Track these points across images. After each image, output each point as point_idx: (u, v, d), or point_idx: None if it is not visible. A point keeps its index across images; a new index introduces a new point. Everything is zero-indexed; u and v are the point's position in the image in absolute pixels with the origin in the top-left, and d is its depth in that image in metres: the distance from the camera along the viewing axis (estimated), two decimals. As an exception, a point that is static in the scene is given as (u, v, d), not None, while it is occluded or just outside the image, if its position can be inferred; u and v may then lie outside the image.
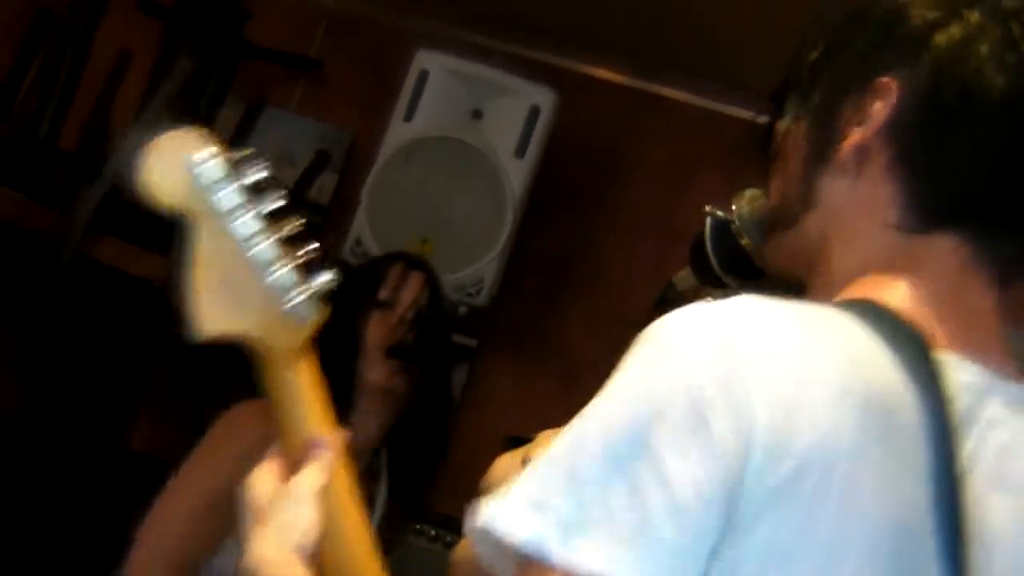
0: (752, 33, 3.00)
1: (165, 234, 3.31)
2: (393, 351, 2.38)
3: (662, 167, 3.59)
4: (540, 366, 3.56)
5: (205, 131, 1.14)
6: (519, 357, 3.59)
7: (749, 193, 1.30)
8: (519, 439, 1.54)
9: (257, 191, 1.13)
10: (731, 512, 0.91)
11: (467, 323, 3.49)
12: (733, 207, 1.29)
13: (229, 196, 1.12)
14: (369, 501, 2.37)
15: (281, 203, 1.14)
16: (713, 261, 1.31)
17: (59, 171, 3.51)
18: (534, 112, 3.38)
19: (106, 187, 3.29)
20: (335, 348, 2.26)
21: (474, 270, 3.34)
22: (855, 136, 1.09)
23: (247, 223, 1.12)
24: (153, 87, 3.54)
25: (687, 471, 0.91)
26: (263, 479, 1.15)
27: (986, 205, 1.07)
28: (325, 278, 1.14)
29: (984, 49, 1.07)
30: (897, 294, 1.06)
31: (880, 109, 1.08)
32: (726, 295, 1.32)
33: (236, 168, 1.13)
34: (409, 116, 3.42)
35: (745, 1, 2.89)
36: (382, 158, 3.42)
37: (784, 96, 1.19)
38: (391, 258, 2.51)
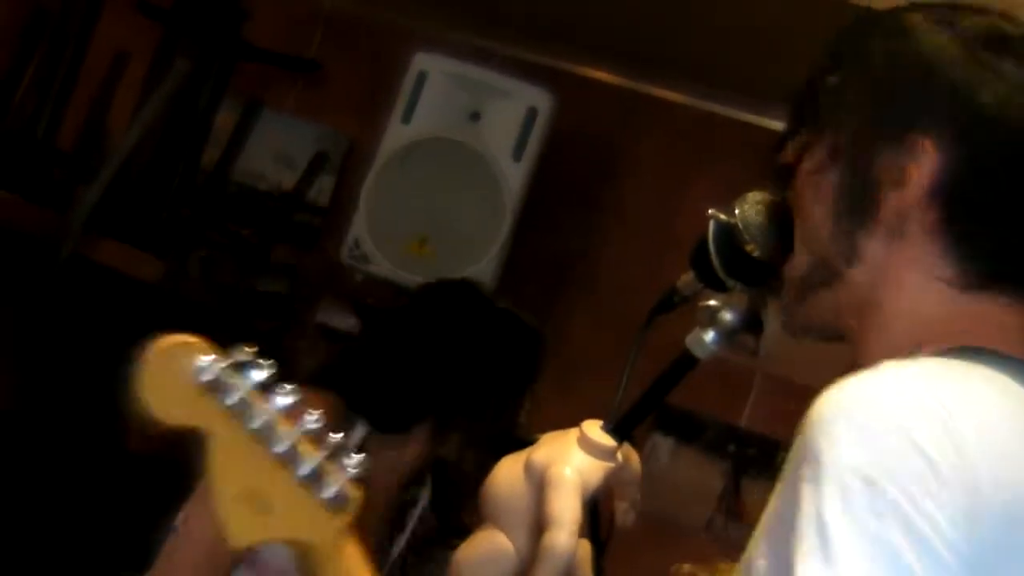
0: (749, 35, 3.00)
1: (161, 235, 3.34)
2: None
3: (659, 169, 3.59)
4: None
5: (194, 337, 1.08)
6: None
7: (752, 196, 1.29)
8: (521, 441, 1.54)
9: (264, 388, 1.08)
10: (971, 553, 0.93)
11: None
12: (736, 210, 1.29)
13: (241, 402, 1.07)
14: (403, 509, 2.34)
15: (293, 398, 1.09)
16: (717, 265, 1.31)
17: (56, 171, 3.51)
18: (532, 114, 3.38)
19: (103, 188, 3.29)
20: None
21: (472, 271, 3.34)
22: (894, 199, 1.09)
23: (265, 424, 1.08)
24: (150, 88, 3.54)
25: (942, 531, 0.92)
26: None
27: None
28: (355, 461, 1.11)
29: None
30: (988, 341, 1.07)
31: (919, 173, 1.08)
32: (729, 299, 1.33)
33: (241, 370, 1.08)
34: (407, 118, 3.42)
35: (742, 3, 2.90)
36: (380, 160, 3.42)
37: (801, 117, 1.18)
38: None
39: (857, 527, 0.93)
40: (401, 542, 2.34)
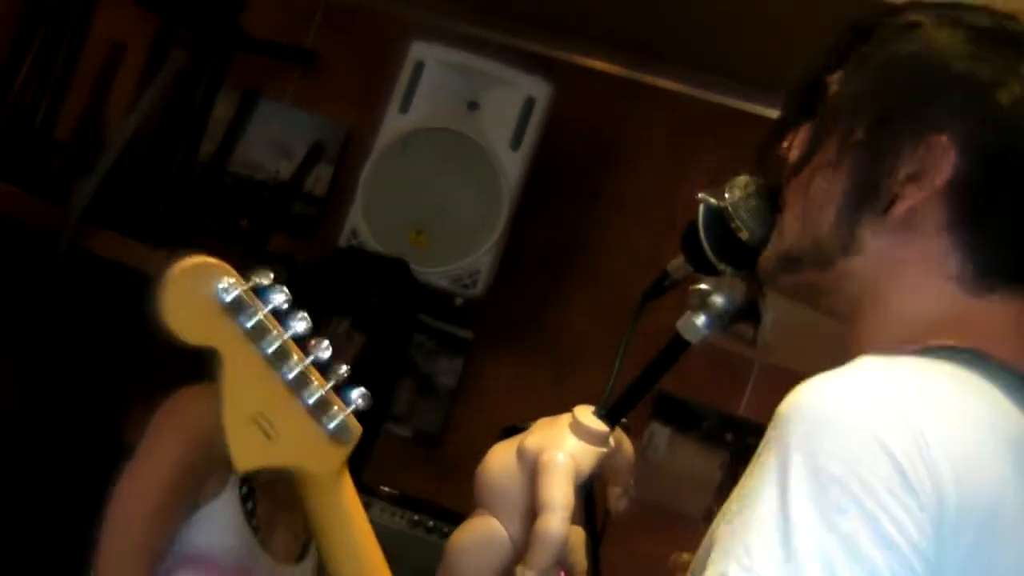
0: (747, 23, 3.00)
1: (159, 226, 3.34)
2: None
3: (657, 157, 3.59)
4: (536, 356, 3.56)
5: (217, 260, 1.10)
6: (515, 348, 3.59)
7: (742, 180, 1.29)
8: (514, 428, 1.54)
9: (280, 314, 1.10)
10: (939, 559, 0.93)
11: (463, 315, 3.50)
12: (726, 194, 1.29)
13: (258, 325, 1.08)
14: None
15: (307, 325, 1.10)
16: (707, 248, 1.31)
17: (54, 162, 3.51)
18: (530, 103, 3.38)
19: (101, 179, 3.29)
20: None
21: (470, 261, 3.35)
22: (909, 196, 1.09)
23: (279, 351, 1.09)
24: (147, 79, 3.54)
25: (907, 531, 0.93)
26: None
27: None
28: (358, 394, 1.13)
29: None
30: (987, 342, 1.07)
31: (937, 171, 1.08)
32: (720, 283, 1.33)
33: (259, 295, 1.09)
34: (405, 108, 3.42)
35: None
36: (377, 150, 3.42)
37: (799, 112, 1.18)
38: (343, 305, 2.44)
39: (821, 522, 0.93)
40: None
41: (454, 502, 3.12)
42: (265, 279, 1.10)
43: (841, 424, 0.96)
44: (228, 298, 1.07)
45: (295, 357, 1.10)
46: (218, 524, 2.22)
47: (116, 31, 3.70)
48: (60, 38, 3.54)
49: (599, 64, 3.65)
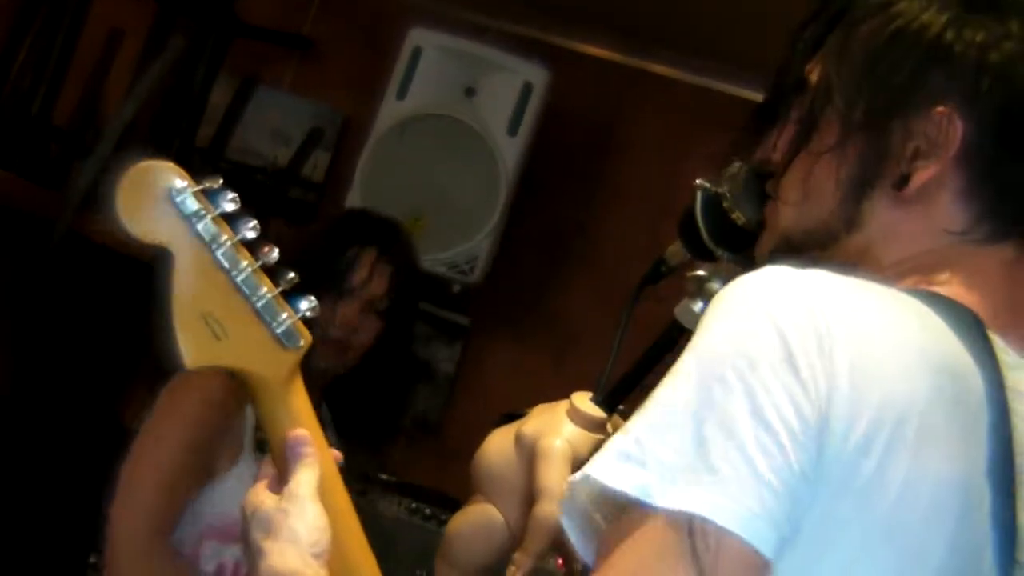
0: (741, 9, 2.99)
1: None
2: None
3: (654, 143, 3.59)
4: (533, 342, 3.56)
5: (170, 161, 1.12)
6: (513, 334, 3.60)
7: (737, 167, 1.30)
8: (512, 415, 1.54)
9: (232, 219, 1.12)
10: (820, 459, 0.93)
11: (460, 301, 3.50)
12: (723, 181, 1.29)
13: (208, 226, 1.10)
14: None
15: (255, 232, 1.12)
16: (704, 234, 1.31)
17: (52, 148, 3.51)
18: (527, 89, 3.37)
19: (99, 165, 3.29)
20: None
21: (468, 247, 3.35)
22: (925, 170, 1.08)
23: (228, 253, 1.11)
24: (145, 65, 3.53)
25: (781, 415, 0.92)
26: (261, 494, 1.15)
27: None
28: (308, 303, 1.14)
29: None
30: (951, 284, 1.08)
31: (948, 141, 1.08)
32: (717, 268, 1.33)
33: (210, 197, 1.11)
34: (402, 94, 3.42)
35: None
36: (375, 136, 3.42)
37: (788, 94, 1.18)
38: (367, 237, 2.48)
39: (699, 390, 0.94)
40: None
41: (454, 488, 3.12)
42: (215, 183, 1.12)
43: (741, 309, 0.97)
44: (179, 198, 1.10)
45: (244, 261, 1.11)
46: (236, 495, 2.22)
47: (114, 17, 3.70)
48: (58, 24, 3.54)
49: (596, 50, 3.65)
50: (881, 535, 0.96)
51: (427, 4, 3.62)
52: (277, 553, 1.11)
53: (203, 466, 2.22)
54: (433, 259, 3.29)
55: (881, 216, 1.11)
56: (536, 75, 3.38)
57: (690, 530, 0.91)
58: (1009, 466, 1.02)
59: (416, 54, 3.42)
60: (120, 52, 3.73)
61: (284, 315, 1.13)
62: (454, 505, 1.62)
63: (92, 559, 2.43)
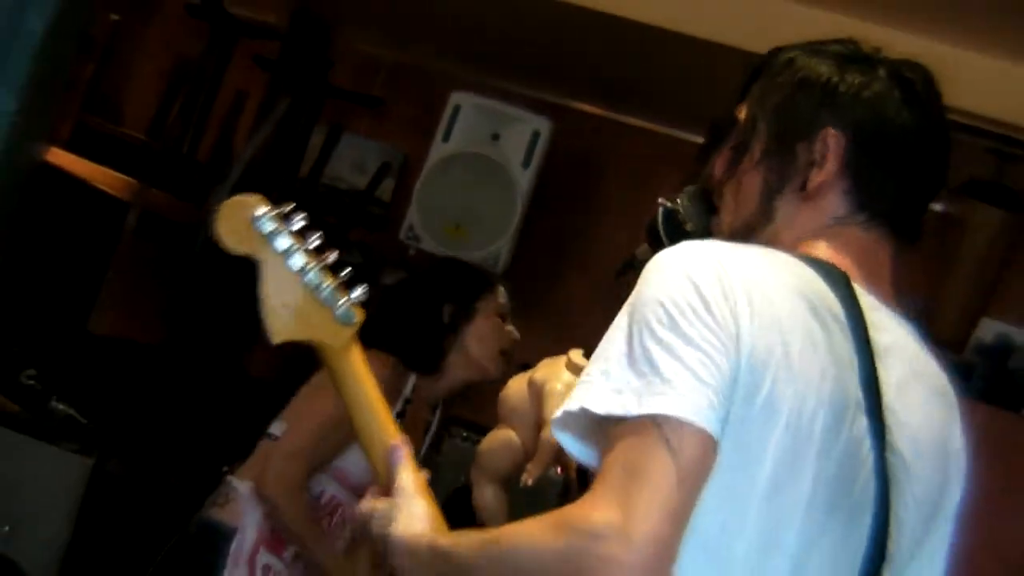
0: (692, 75, 2.99)
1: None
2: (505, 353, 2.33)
3: (629, 174, 3.58)
4: (541, 321, 3.54)
5: (259, 196, 1.12)
6: (525, 316, 3.56)
7: (688, 189, 1.30)
8: (526, 366, 1.55)
9: (302, 234, 1.12)
10: (736, 370, 0.94)
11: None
12: (679, 199, 1.29)
13: (283, 240, 1.11)
14: (426, 427, 2.40)
15: (319, 241, 1.12)
16: (663, 237, 1.31)
17: (196, 177, 3.52)
18: (536, 135, 3.37)
19: (230, 189, 3.30)
20: (439, 320, 2.25)
21: (492, 249, 3.35)
22: (817, 176, 1.09)
23: (299, 258, 1.11)
24: (262, 117, 3.54)
25: (705, 338, 0.94)
26: (371, 500, 1.11)
27: (894, 209, 1.10)
28: (359, 292, 1.14)
29: (895, 97, 1.09)
30: (826, 251, 1.08)
31: (832, 155, 1.09)
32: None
33: (285, 219, 1.12)
34: (446, 138, 3.42)
35: (690, 57, 2.89)
36: (427, 168, 3.42)
37: (724, 132, 1.18)
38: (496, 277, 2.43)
39: (645, 331, 0.95)
40: (425, 443, 2.40)
41: (483, 419, 3.12)
42: (288, 208, 1.12)
43: (663, 269, 0.99)
44: (260, 221, 1.10)
45: (312, 262, 1.12)
46: (358, 455, 2.19)
47: (240, 83, 3.70)
48: (200, 87, 3.55)
49: (586, 107, 3.64)
50: (783, 425, 0.96)
51: (465, 74, 3.61)
52: (403, 525, 1.06)
53: (343, 436, 2.16)
54: (468, 256, 3.29)
55: (786, 210, 1.11)
56: (543, 125, 3.38)
57: (661, 427, 0.91)
58: (872, 368, 1.03)
59: (456, 110, 3.41)
60: (245, 107, 3.74)
61: (342, 300, 1.12)
62: (483, 430, 1.63)
63: (224, 469, 2.42)
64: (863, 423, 1.00)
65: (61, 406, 2.94)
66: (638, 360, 0.94)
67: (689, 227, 1.27)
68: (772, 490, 0.95)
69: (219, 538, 2.18)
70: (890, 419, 1.02)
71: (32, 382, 2.99)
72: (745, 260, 1.00)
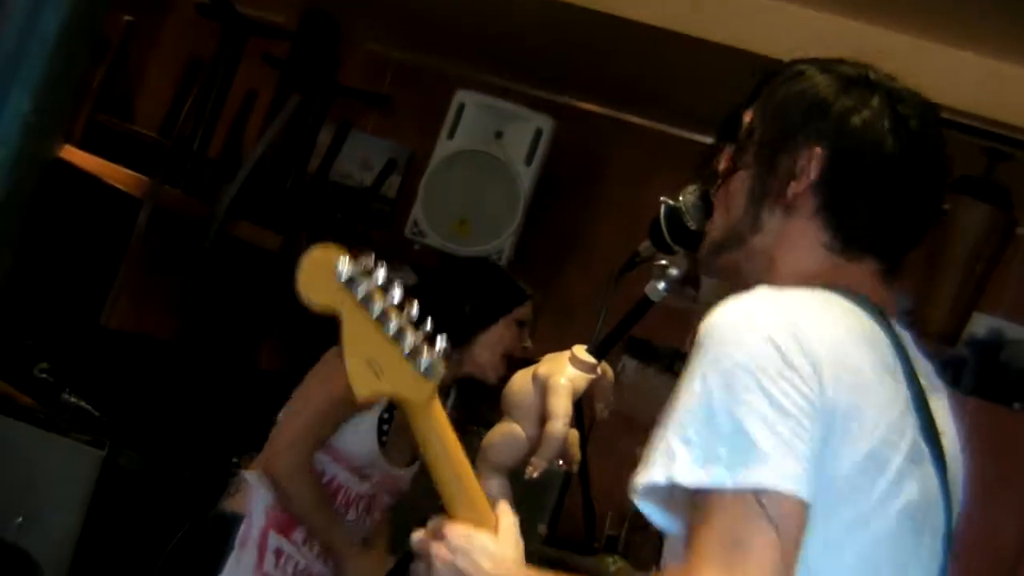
0: (692, 74, 2.98)
1: (280, 218, 3.30)
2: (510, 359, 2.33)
3: (630, 171, 3.58)
4: (543, 314, 3.55)
5: (342, 248, 1.05)
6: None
7: (689, 187, 1.30)
8: (529, 360, 1.55)
9: (383, 285, 1.06)
10: (825, 423, 0.95)
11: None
12: (680, 197, 1.29)
13: (365, 295, 1.05)
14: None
15: (402, 295, 1.06)
16: (666, 235, 1.31)
17: (207, 174, 3.52)
18: (539, 133, 3.37)
19: (239, 185, 3.30)
20: (467, 317, 2.27)
21: (497, 243, 3.35)
22: (793, 187, 1.09)
23: (382, 311, 1.05)
24: (272, 115, 3.54)
25: (795, 403, 0.95)
26: (470, 534, 1.10)
27: (881, 239, 1.10)
28: (441, 344, 1.09)
29: (883, 127, 1.08)
30: (851, 282, 1.09)
31: (810, 169, 1.09)
32: (675, 259, 1.33)
33: (366, 270, 1.06)
34: (451, 135, 3.41)
35: (690, 57, 2.88)
36: (432, 165, 3.42)
37: (725, 138, 1.18)
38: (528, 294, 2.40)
39: (731, 398, 0.95)
40: None
41: (488, 412, 3.12)
42: (370, 261, 1.07)
43: (740, 331, 0.98)
44: (345, 275, 1.04)
45: (395, 316, 1.06)
46: (357, 434, 2.20)
47: (250, 82, 3.70)
48: (211, 86, 3.55)
49: (588, 106, 3.64)
50: (863, 456, 0.98)
51: (469, 73, 3.61)
52: (496, 562, 1.07)
53: (348, 410, 2.16)
54: (473, 251, 3.30)
55: (772, 224, 1.11)
56: (545, 123, 3.37)
57: (759, 499, 0.92)
58: (923, 396, 1.05)
59: (461, 108, 3.41)
60: (255, 106, 3.73)
61: (424, 355, 1.08)
62: (489, 424, 1.63)
63: (234, 460, 2.42)
64: (926, 451, 1.03)
65: (73, 399, 2.95)
66: (724, 429, 0.94)
67: (692, 226, 1.27)
68: (862, 526, 0.98)
69: (228, 527, 2.19)
70: (945, 443, 1.06)
71: (45, 375, 3.00)
72: (815, 314, 1.01)
